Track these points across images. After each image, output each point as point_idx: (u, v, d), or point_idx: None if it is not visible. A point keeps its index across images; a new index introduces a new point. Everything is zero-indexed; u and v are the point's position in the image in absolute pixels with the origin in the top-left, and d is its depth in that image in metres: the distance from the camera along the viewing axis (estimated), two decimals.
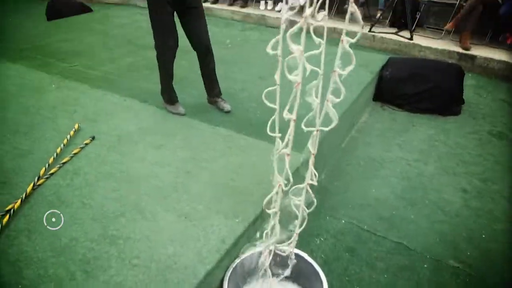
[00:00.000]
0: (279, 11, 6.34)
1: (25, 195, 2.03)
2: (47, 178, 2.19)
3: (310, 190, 1.48)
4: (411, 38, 5.04)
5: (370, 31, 5.30)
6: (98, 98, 3.19)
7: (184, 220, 1.89)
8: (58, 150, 2.42)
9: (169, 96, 2.95)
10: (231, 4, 6.89)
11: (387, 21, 5.66)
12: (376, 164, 2.99)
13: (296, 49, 1.09)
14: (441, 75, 3.61)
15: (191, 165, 2.33)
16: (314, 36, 1.07)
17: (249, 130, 2.73)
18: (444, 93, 3.58)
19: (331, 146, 2.98)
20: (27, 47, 4.48)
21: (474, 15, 4.53)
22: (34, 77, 3.61)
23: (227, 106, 3.03)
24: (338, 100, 1.26)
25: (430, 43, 4.93)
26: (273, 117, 1.33)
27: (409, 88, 3.69)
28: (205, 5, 6.68)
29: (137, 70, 3.87)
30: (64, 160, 2.33)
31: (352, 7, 1.04)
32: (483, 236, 2.28)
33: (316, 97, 1.22)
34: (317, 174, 1.46)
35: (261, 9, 6.56)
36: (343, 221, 2.41)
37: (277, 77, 1.21)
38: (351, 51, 1.14)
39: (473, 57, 4.58)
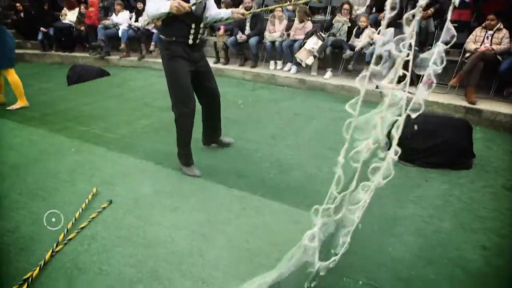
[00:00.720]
0: (288, 70, 6.62)
1: (44, 262, 2.05)
2: (65, 244, 2.22)
3: (391, 164, 1.50)
4: None
5: (377, 87, 5.46)
6: (115, 161, 3.30)
7: (201, 286, 1.88)
8: (77, 214, 2.48)
9: (186, 158, 3.05)
10: (242, 65, 7.21)
11: None
12: (391, 222, 2.95)
13: (378, 117, 1.19)
14: (449, 130, 3.66)
15: (206, 227, 2.36)
16: None
17: (262, 190, 2.76)
18: (454, 148, 3.61)
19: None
20: (49, 112, 4.71)
21: (476, 71, 4.67)
22: (54, 141, 3.76)
23: (231, 140, 3.56)
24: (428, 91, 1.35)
25: (437, 98, 5.04)
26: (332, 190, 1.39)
27: (419, 144, 3.73)
28: (217, 66, 7.03)
29: (152, 131, 4.02)
30: (82, 225, 2.37)
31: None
32: None
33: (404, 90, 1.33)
34: (399, 151, 1.50)
35: (271, 69, 6.84)
36: (361, 282, 2.35)
37: (341, 158, 1.30)
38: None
39: (479, 111, 4.66)
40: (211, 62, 3.22)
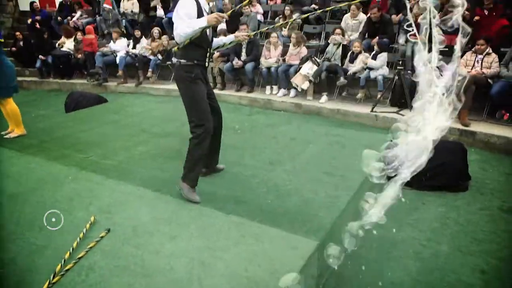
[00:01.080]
0: (283, 95, 6.72)
1: None
2: (62, 275, 2.20)
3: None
4: None
5: (372, 111, 5.56)
6: (112, 188, 3.30)
7: None
8: (75, 244, 2.47)
9: (194, 179, 3.04)
10: (238, 90, 7.31)
11: (388, 101, 5.94)
12: (389, 245, 2.96)
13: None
14: (445, 153, 3.70)
15: (205, 255, 2.35)
16: None
17: (260, 216, 2.77)
18: (450, 170, 3.65)
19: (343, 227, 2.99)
20: (47, 139, 4.73)
21: (468, 93, 4.78)
22: (52, 169, 3.76)
23: (223, 166, 3.58)
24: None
25: None
26: None
27: None
28: (213, 91, 7.11)
29: (149, 158, 4.03)
30: (79, 255, 2.36)
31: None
32: None
33: None
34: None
35: (267, 94, 6.94)
36: None
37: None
38: None
39: (473, 133, 4.74)
40: None
